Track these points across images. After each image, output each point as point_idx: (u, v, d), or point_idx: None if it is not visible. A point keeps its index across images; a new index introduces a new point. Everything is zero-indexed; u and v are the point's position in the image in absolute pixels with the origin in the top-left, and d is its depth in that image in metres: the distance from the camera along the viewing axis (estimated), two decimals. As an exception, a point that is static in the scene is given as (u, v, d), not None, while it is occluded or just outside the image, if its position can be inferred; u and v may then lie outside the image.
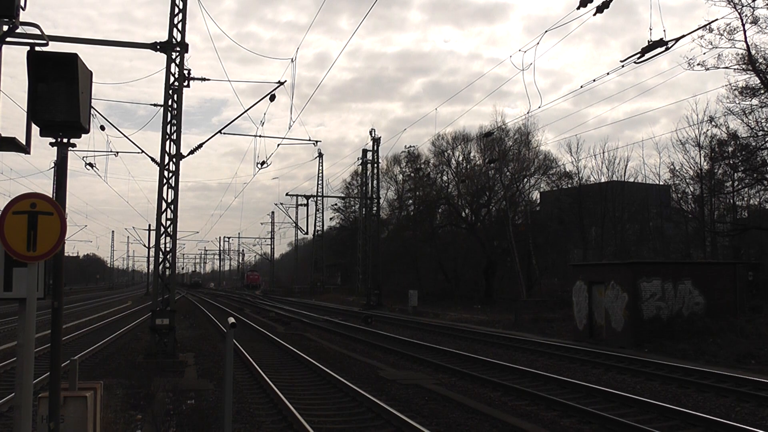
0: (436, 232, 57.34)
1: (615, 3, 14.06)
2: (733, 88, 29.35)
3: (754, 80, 28.27)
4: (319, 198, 76.25)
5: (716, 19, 36.75)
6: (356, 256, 63.79)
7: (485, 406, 11.81)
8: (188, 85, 19.71)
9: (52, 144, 6.44)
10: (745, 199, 38.20)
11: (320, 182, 77.42)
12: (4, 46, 6.33)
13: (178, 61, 18.34)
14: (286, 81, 22.48)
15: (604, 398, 12.61)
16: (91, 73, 6.51)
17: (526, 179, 50.55)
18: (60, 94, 6.10)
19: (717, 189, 37.51)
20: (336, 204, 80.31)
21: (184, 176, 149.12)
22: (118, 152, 32.75)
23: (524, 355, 19.79)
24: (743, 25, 26.78)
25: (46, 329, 16.91)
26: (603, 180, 45.84)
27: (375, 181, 53.56)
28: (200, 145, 21.38)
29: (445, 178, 58.71)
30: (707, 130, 36.16)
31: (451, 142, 56.42)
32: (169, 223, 18.70)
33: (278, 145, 42.55)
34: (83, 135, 6.53)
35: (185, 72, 18.98)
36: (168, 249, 18.87)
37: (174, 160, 18.70)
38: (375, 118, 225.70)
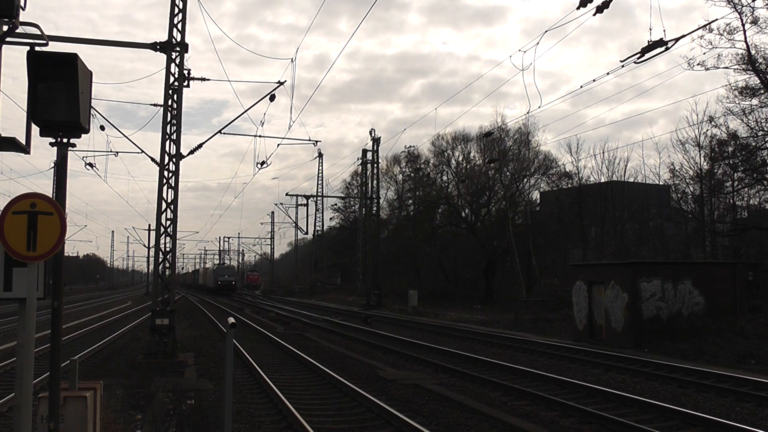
0: (436, 232, 57.31)
1: (613, 4, 14.02)
2: (733, 88, 29.40)
3: (754, 80, 28.31)
4: (318, 198, 76.30)
5: (716, 20, 36.72)
6: (356, 256, 63.75)
7: (485, 406, 11.81)
8: (188, 85, 19.73)
9: (52, 144, 6.44)
10: (745, 199, 38.23)
11: (320, 182, 77.51)
12: (4, 46, 6.33)
13: (178, 61, 18.35)
14: (286, 81, 22.47)
15: (604, 398, 12.61)
16: (91, 73, 6.51)
17: (525, 179, 50.52)
18: (60, 94, 6.10)
19: (717, 189, 37.51)
20: (336, 204, 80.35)
21: (184, 176, 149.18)
22: (118, 152, 32.66)
23: (524, 355, 19.78)
24: (743, 25, 26.85)
25: (46, 329, 16.92)
26: (603, 180, 45.85)
27: (375, 181, 53.55)
28: (200, 145, 21.40)
29: (445, 178, 58.74)
30: (707, 130, 36.20)
31: (451, 142, 56.45)
32: (169, 223, 18.71)
33: (278, 145, 42.56)
34: (83, 135, 6.54)
35: (185, 72, 19.00)
36: (168, 249, 18.89)
37: (174, 160, 18.70)
38: (374, 119, 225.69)
